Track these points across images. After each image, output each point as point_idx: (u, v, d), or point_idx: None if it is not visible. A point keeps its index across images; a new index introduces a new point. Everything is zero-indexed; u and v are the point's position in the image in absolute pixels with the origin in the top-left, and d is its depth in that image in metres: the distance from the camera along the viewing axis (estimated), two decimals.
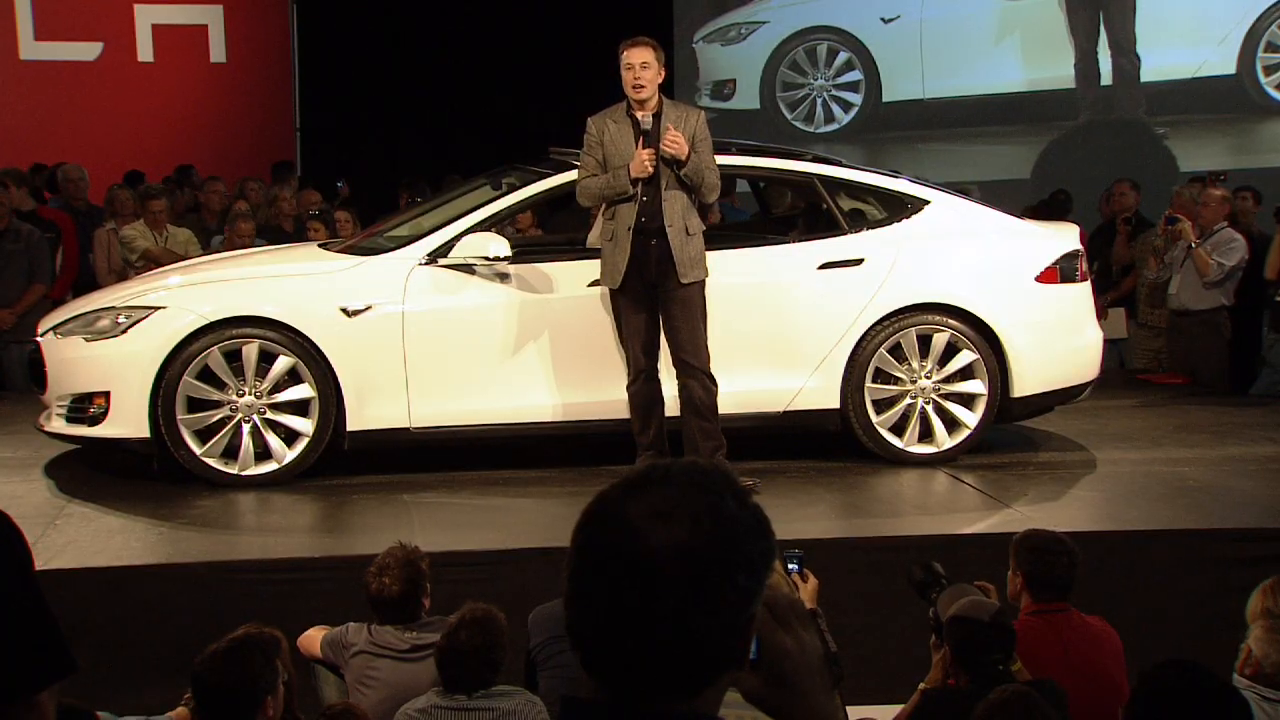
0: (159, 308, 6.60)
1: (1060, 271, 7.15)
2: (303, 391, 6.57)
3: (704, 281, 6.37)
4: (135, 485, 6.66)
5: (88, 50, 13.32)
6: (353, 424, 6.60)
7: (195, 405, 6.53)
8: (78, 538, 5.90)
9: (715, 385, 6.40)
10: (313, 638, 4.76)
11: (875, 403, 6.93)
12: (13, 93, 13.16)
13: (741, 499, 1.62)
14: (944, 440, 6.96)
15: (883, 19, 13.93)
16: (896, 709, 4.27)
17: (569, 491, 6.53)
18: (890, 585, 5.55)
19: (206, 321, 6.51)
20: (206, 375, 6.51)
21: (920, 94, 14.01)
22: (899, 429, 6.96)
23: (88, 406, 6.60)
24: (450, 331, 6.67)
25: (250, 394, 6.55)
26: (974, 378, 6.96)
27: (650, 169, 6.21)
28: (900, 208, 7.14)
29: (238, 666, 3.69)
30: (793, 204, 8.65)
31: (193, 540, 5.96)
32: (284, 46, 13.92)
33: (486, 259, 6.62)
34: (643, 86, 6.27)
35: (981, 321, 6.95)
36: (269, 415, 6.57)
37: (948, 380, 6.96)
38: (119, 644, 5.31)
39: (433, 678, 4.23)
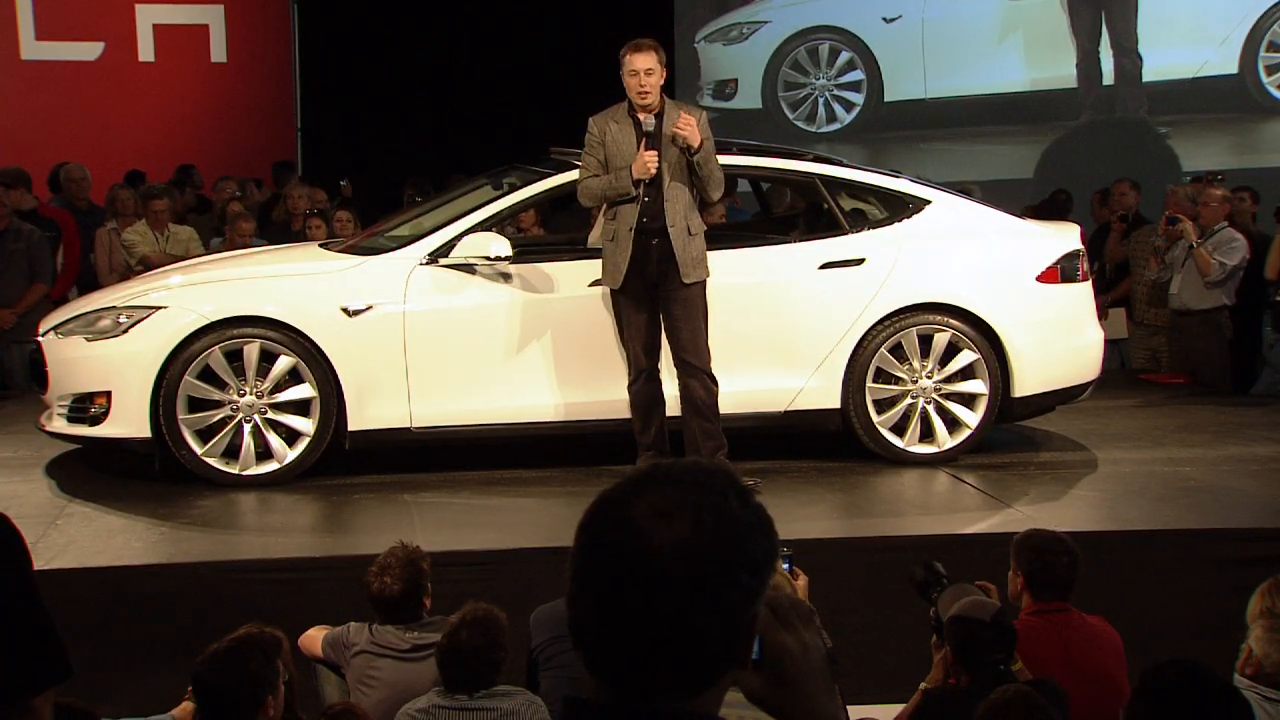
0: (160, 307, 6.60)
1: (1061, 271, 7.15)
2: (304, 391, 6.57)
3: (705, 281, 6.37)
4: (136, 485, 6.66)
5: (89, 50, 13.32)
6: (354, 424, 6.60)
7: (196, 405, 6.53)
8: (79, 537, 5.91)
9: (716, 385, 6.40)
10: (314, 637, 4.76)
11: (876, 402, 6.93)
12: (14, 92, 13.16)
13: (744, 498, 1.62)
14: (945, 440, 6.96)
15: (884, 19, 13.92)
16: (897, 709, 4.27)
17: (570, 491, 6.53)
18: (890, 585, 5.55)
19: (208, 321, 6.51)
20: (207, 375, 6.52)
21: (922, 94, 14.01)
22: (900, 429, 6.96)
23: (89, 406, 6.61)
24: (451, 331, 6.67)
25: (251, 394, 6.55)
26: (975, 377, 6.96)
27: (653, 170, 6.21)
28: (901, 207, 7.14)
29: (238, 666, 3.69)
30: (793, 204, 8.66)
31: (194, 540, 5.96)
32: (285, 46, 13.92)
33: (487, 259, 6.62)
34: (647, 92, 6.29)
35: (982, 321, 6.95)
36: (270, 415, 6.57)
37: (949, 380, 6.95)
38: (120, 644, 5.32)
39: (434, 678, 4.23)
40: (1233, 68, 13.77)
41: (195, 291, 6.73)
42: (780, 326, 6.84)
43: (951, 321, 6.94)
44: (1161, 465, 7.14)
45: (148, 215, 9.59)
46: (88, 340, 6.63)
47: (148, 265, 9.10)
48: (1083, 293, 7.26)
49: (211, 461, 6.55)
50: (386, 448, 6.74)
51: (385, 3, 13.70)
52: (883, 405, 6.94)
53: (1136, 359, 10.02)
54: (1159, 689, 3.23)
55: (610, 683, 1.59)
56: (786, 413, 6.89)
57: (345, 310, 6.60)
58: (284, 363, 6.55)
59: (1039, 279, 7.11)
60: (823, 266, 6.92)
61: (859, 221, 7.13)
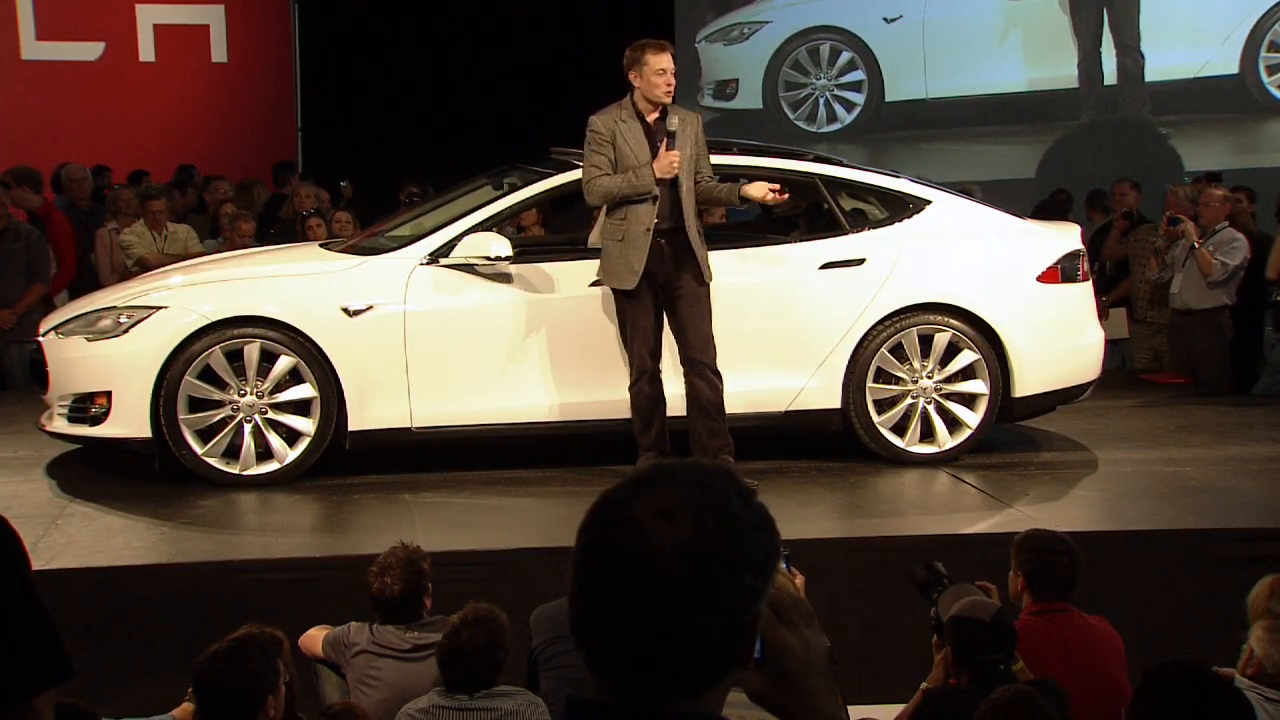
0: (160, 307, 6.60)
1: (1062, 271, 7.15)
2: (304, 391, 6.57)
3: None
4: (137, 485, 6.66)
5: (89, 50, 13.32)
6: (354, 424, 6.60)
7: (197, 405, 6.53)
8: (79, 537, 5.90)
9: (722, 383, 6.41)
10: (314, 637, 4.76)
11: (876, 402, 6.93)
12: (14, 92, 13.16)
13: (746, 498, 1.62)
14: (945, 440, 6.96)
15: (885, 19, 13.92)
16: (897, 709, 4.27)
17: (570, 491, 6.53)
18: (890, 585, 5.55)
19: (208, 321, 6.51)
20: (208, 375, 6.51)
21: (923, 94, 14.01)
22: (900, 429, 6.96)
23: (89, 406, 6.61)
24: (451, 331, 6.67)
25: (252, 394, 6.55)
26: (975, 377, 6.96)
27: (677, 170, 6.25)
28: (902, 208, 7.14)
29: (239, 666, 3.68)
30: (794, 204, 8.65)
31: (194, 540, 5.96)
32: (285, 46, 13.92)
33: (488, 259, 6.62)
34: (670, 91, 6.34)
35: (983, 321, 6.95)
36: (270, 415, 6.57)
37: (949, 380, 6.95)
38: (120, 644, 5.32)
39: (434, 677, 4.23)
40: (1234, 68, 13.77)
41: (196, 291, 6.73)
42: (780, 326, 6.84)
43: (952, 321, 6.94)
44: (1162, 465, 7.14)
45: (146, 216, 9.58)
46: (88, 340, 6.63)
47: (145, 267, 9.09)
48: (1083, 293, 7.26)
49: (212, 461, 6.55)
50: (387, 448, 6.73)
51: (385, 2, 13.70)
52: (883, 405, 6.94)
53: (1139, 358, 10.02)
54: (1160, 689, 3.23)
55: (612, 683, 1.59)
56: (787, 413, 6.89)
57: (346, 310, 6.60)
58: (284, 363, 6.55)
59: (1039, 279, 7.11)
60: (823, 266, 6.92)
61: (859, 221, 7.13)
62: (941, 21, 13.91)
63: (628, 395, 6.56)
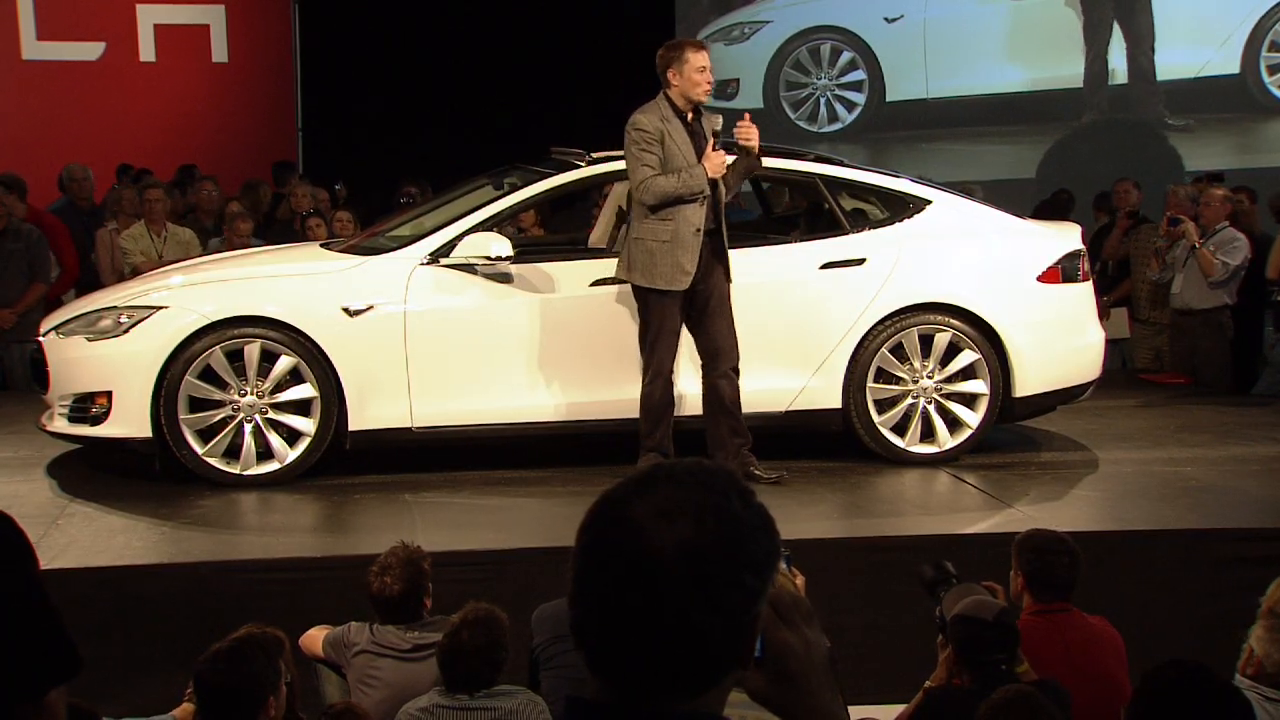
0: (161, 307, 6.60)
1: (1062, 271, 7.16)
2: (304, 391, 6.57)
3: None
4: (137, 485, 6.66)
5: (90, 50, 13.31)
6: (354, 424, 6.61)
7: (197, 405, 6.53)
8: (80, 537, 5.91)
9: (738, 379, 6.46)
10: (315, 637, 4.76)
11: (877, 402, 6.93)
12: (15, 92, 13.15)
13: (746, 498, 1.62)
14: (946, 440, 6.96)
15: (886, 18, 13.92)
16: (897, 709, 4.27)
17: (571, 491, 6.53)
18: (891, 585, 5.56)
19: (208, 321, 6.51)
20: (208, 375, 6.52)
21: (923, 94, 14.00)
22: (901, 429, 6.96)
23: (90, 406, 6.61)
24: (452, 331, 6.67)
25: (252, 394, 6.55)
26: (976, 377, 6.96)
27: (724, 169, 6.26)
28: (902, 207, 7.14)
29: (240, 666, 3.69)
30: (794, 203, 8.65)
31: (195, 540, 5.97)
32: (286, 46, 13.91)
33: (488, 259, 6.62)
34: (710, 89, 6.38)
35: (983, 321, 6.95)
36: (271, 415, 6.58)
37: (949, 380, 6.96)
38: (121, 644, 5.32)
39: (434, 677, 4.23)
40: (1234, 67, 13.76)
41: (196, 291, 6.73)
42: (781, 326, 6.84)
43: (952, 321, 6.94)
44: (1162, 465, 7.14)
45: (144, 207, 9.52)
46: (89, 340, 6.63)
47: (140, 273, 9.06)
48: (1083, 293, 7.26)
49: (212, 461, 6.55)
50: (387, 447, 6.74)
51: (386, 3, 13.70)
52: (884, 405, 6.94)
53: (1140, 358, 10.02)
54: (1160, 689, 3.23)
55: (612, 683, 1.59)
56: (787, 413, 6.89)
57: (346, 310, 6.60)
58: (285, 363, 6.55)
59: (1040, 279, 7.11)
60: (824, 266, 6.92)
61: (860, 221, 7.13)
62: (942, 21, 13.91)
63: (627, 395, 6.57)
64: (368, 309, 6.61)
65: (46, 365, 6.74)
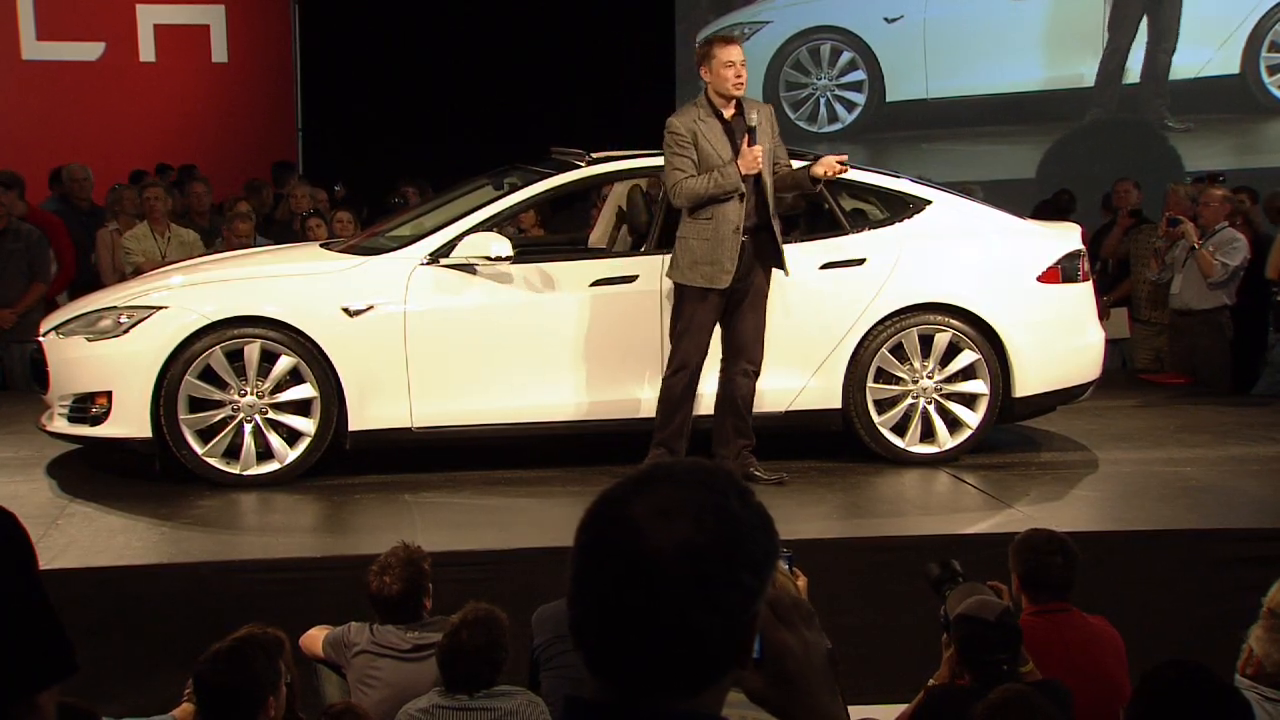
0: (161, 307, 6.60)
1: (1062, 271, 7.16)
2: (304, 391, 6.58)
3: None
4: (137, 485, 6.66)
5: (90, 50, 13.31)
6: (354, 424, 6.61)
7: (197, 405, 6.53)
8: (79, 537, 5.91)
9: (757, 380, 6.49)
10: (315, 637, 4.76)
11: (877, 403, 6.93)
12: (14, 92, 13.15)
13: (745, 498, 1.62)
14: (946, 440, 6.96)
15: (886, 19, 13.91)
16: (897, 709, 4.27)
17: (571, 491, 6.53)
18: (891, 585, 5.56)
19: (208, 321, 6.51)
20: (208, 375, 6.52)
21: (924, 94, 14.00)
22: (901, 429, 6.96)
23: (90, 406, 6.61)
24: (452, 331, 6.67)
25: (252, 394, 6.55)
26: (975, 378, 6.96)
27: (760, 165, 6.25)
28: (902, 208, 7.15)
29: (240, 666, 3.68)
30: (794, 204, 8.65)
31: (195, 540, 5.97)
32: (286, 46, 13.91)
33: (488, 259, 6.62)
34: (742, 83, 6.37)
35: (983, 321, 6.96)
36: (271, 415, 6.58)
37: (949, 380, 6.96)
38: (120, 644, 5.31)
39: (434, 677, 4.23)
40: (1235, 67, 13.76)
41: (196, 291, 6.73)
42: (781, 327, 6.83)
43: (952, 321, 6.94)
44: (1162, 465, 7.14)
45: (144, 206, 9.51)
46: (89, 340, 6.63)
47: (141, 274, 9.05)
48: (1083, 293, 7.27)
49: (212, 461, 6.55)
50: (387, 447, 6.74)
51: (386, 3, 13.70)
52: (883, 405, 6.95)
53: (1140, 359, 10.03)
54: (1159, 689, 3.23)
55: (611, 682, 1.59)
56: (787, 413, 6.89)
57: (346, 310, 6.60)
58: (285, 363, 6.55)
59: (1040, 279, 7.11)
60: (823, 267, 6.93)
61: (860, 221, 7.13)
62: (942, 21, 13.90)
63: (628, 395, 6.58)
64: (368, 309, 6.61)
65: (46, 365, 6.74)
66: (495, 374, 6.70)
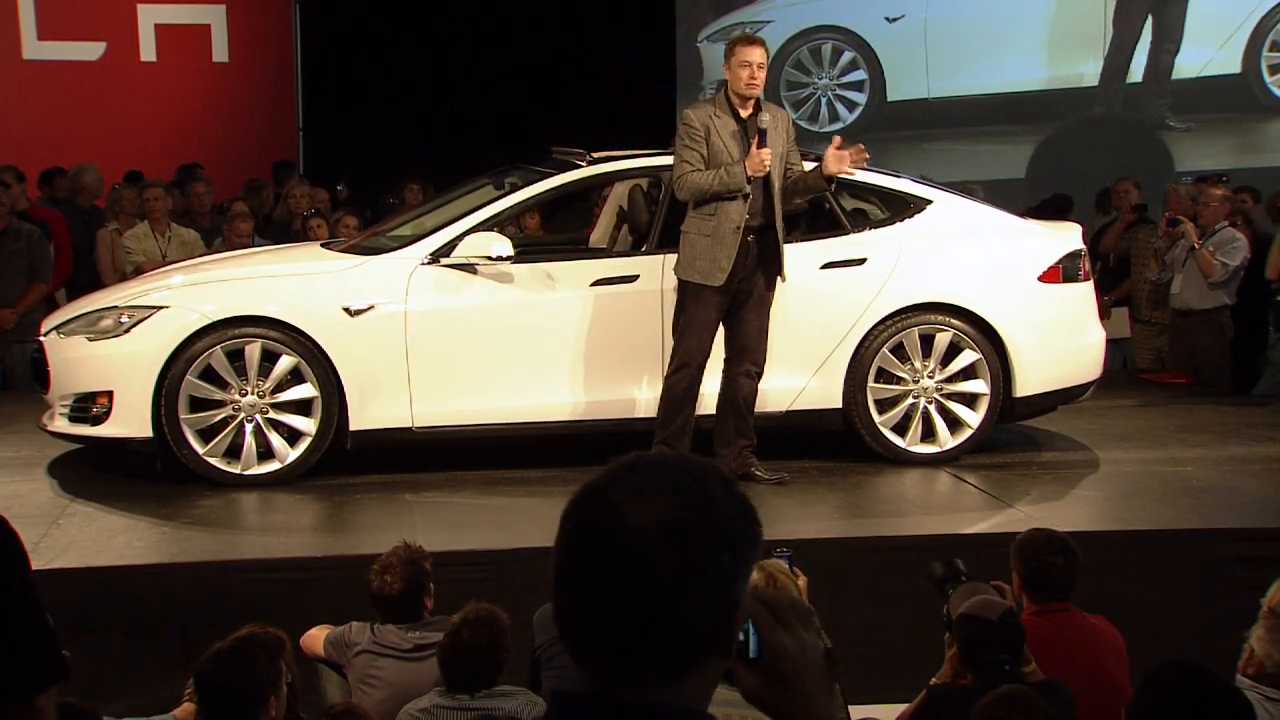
0: (162, 307, 6.60)
1: (1063, 271, 7.16)
2: (305, 391, 6.58)
3: None
4: (138, 485, 6.66)
5: (90, 50, 13.30)
6: (355, 423, 6.61)
7: (198, 405, 6.53)
8: (80, 537, 5.91)
9: (759, 381, 6.50)
10: (316, 637, 4.76)
11: (878, 402, 6.93)
12: (15, 92, 13.15)
13: (726, 484, 1.64)
14: (946, 440, 6.96)
15: (887, 18, 13.91)
16: (897, 709, 4.26)
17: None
18: (891, 585, 5.56)
19: (209, 321, 6.51)
20: (209, 375, 6.52)
21: (925, 93, 14.00)
22: (901, 429, 6.96)
23: (90, 406, 6.61)
24: (453, 331, 6.67)
25: (253, 393, 6.55)
26: (976, 377, 6.96)
27: (768, 167, 6.26)
28: (903, 207, 7.15)
29: (241, 666, 3.68)
30: (795, 203, 8.64)
31: (195, 540, 5.97)
32: (287, 46, 13.91)
33: (489, 259, 6.62)
34: (757, 85, 6.38)
35: (984, 321, 6.96)
36: (272, 415, 6.58)
37: (950, 380, 6.96)
38: (121, 643, 5.31)
39: (435, 677, 4.23)
40: (1236, 67, 13.75)
41: (197, 291, 6.73)
42: (782, 327, 6.83)
43: (953, 321, 6.94)
44: (1163, 465, 7.14)
45: (144, 207, 9.51)
46: (90, 340, 6.63)
47: (142, 274, 9.05)
48: (1084, 292, 7.27)
49: (213, 461, 6.55)
50: (388, 447, 6.74)
51: (387, 3, 13.70)
52: (884, 405, 6.95)
53: (1141, 359, 10.02)
54: (1161, 689, 3.23)
55: (595, 670, 1.60)
56: (788, 413, 6.89)
57: (347, 310, 6.60)
58: (286, 362, 6.55)
59: (1040, 279, 7.11)
60: (824, 266, 6.93)
61: (860, 221, 7.13)
62: (943, 21, 13.90)
63: (628, 395, 6.59)
64: (368, 309, 6.62)
65: (47, 365, 6.74)
66: (496, 374, 6.70)
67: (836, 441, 7.06)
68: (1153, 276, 9.55)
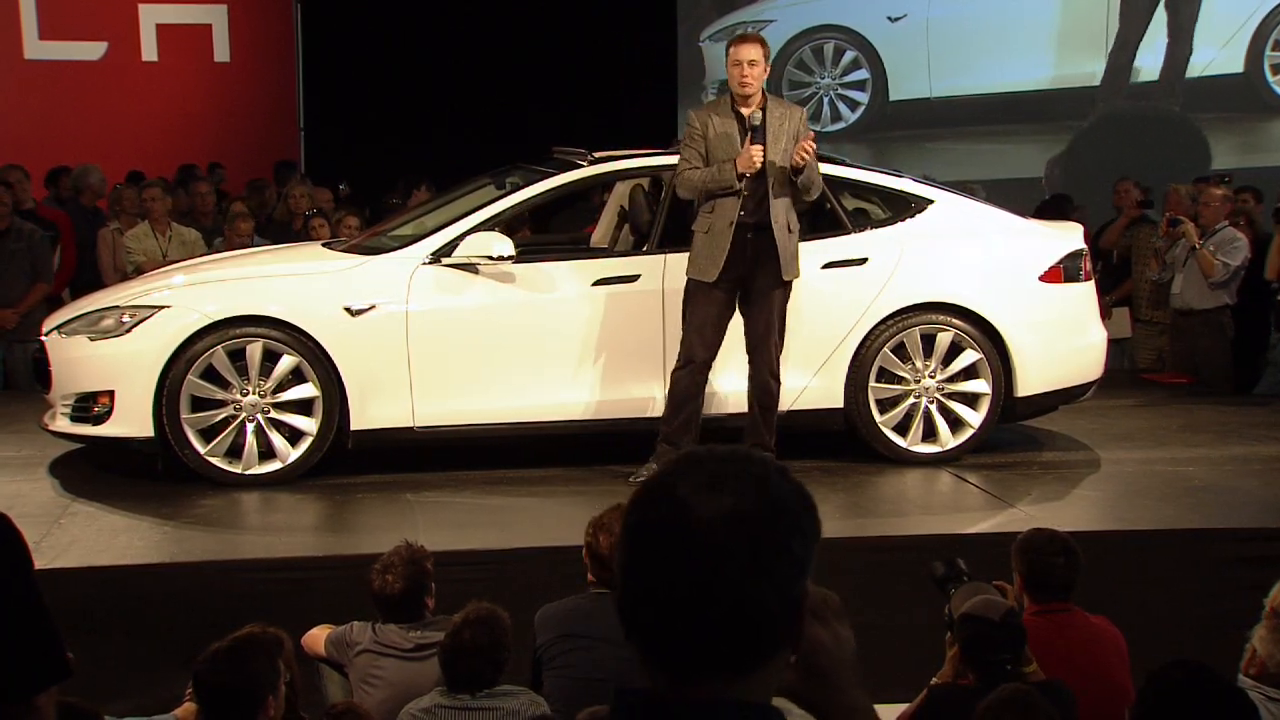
0: (163, 307, 6.60)
1: (1064, 271, 7.16)
2: (306, 391, 6.57)
3: (793, 281, 6.48)
4: (139, 484, 6.66)
5: (92, 50, 13.31)
6: (356, 423, 6.61)
7: (199, 404, 6.53)
8: (82, 537, 5.91)
9: (777, 384, 6.48)
10: (317, 636, 4.76)
11: (879, 402, 6.93)
12: (17, 92, 13.15)
13: (784, 473, 1.65)
14: (948, 440, 6.96)
15: (889, 18, 13.91)
16: (898, 708, 4.26)
17: (573, 491, 6.53)
18: (892, 585, 5.56)
19: (211, 321, 6.51)
20: (210, 374, 6.52)
21: (927, 93, 13.99)
22: (903, 428, 6.96)
23: (92, 405, 6.61)
24: (454, 331, 6.67)
25: (254, 393, 6.55)
26: (978, 377, 6.96)
27: (758, 165, 6.26)
28: (904, 207, 7.14)
29: (239, 666, 3.68)
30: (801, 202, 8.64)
31: (197, 539, 5.97)
32: (288, 45, 13.91)
33: (490, 258, 6.62)
34: (749, 83, 6.36)
35: (985, 321, 6.95)
36: (273, 414, 6.58)
37: (951, 380, 6.95)
38: (123, 643, 5.32)
39: (437, 677, 4.23)
40: (1239, 66, 13.75)
41: (198, 291, 6.73)
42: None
43: (954, 321, 6.94)
44: (1164, 465, 7.13)
45: (143, 207, 9.50)
46: (91, 339, 6.63)
47: (142, 274, 9.04)
48: (1085, 292, 7.26)
49: (214, 461, 6.55)
50: (389, 447, 6.74)
51: (388, 2, 13.70)
52: (885, 405, 6.94)
53: (1142, 359, 10.02)
54: (1164, 690, 3.23)
55: (663, 667, 1.59)
56: (789, 412, 6.88)
57: (348, 310, 6.60)
58: (287, 362, 6.55)
59: (1042, 279, 7.11)
60: (825, 266, 6.92)
61: (862, 221, 7.13)
62: (946, 20, 13.90)
63: (629, 395, 6.60)
64: (370, 308, 6.61)
65: (49, 365, 6.74)
66: (497, 373, 6.70)
67: (838, 441, 7.06)
68: (1153, 276, 9.55)
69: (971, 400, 6.98)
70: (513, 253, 6.61)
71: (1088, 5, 13.99)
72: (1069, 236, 7.37)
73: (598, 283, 6.74)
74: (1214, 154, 13.63)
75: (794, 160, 6.29)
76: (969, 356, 6.94)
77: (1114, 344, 8.10)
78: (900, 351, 6.92)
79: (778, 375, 6.48)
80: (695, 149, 6.39)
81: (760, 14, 14.14)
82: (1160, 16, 13.80)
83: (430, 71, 13.56)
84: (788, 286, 6.48)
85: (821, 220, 7.22)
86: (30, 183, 9.87)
